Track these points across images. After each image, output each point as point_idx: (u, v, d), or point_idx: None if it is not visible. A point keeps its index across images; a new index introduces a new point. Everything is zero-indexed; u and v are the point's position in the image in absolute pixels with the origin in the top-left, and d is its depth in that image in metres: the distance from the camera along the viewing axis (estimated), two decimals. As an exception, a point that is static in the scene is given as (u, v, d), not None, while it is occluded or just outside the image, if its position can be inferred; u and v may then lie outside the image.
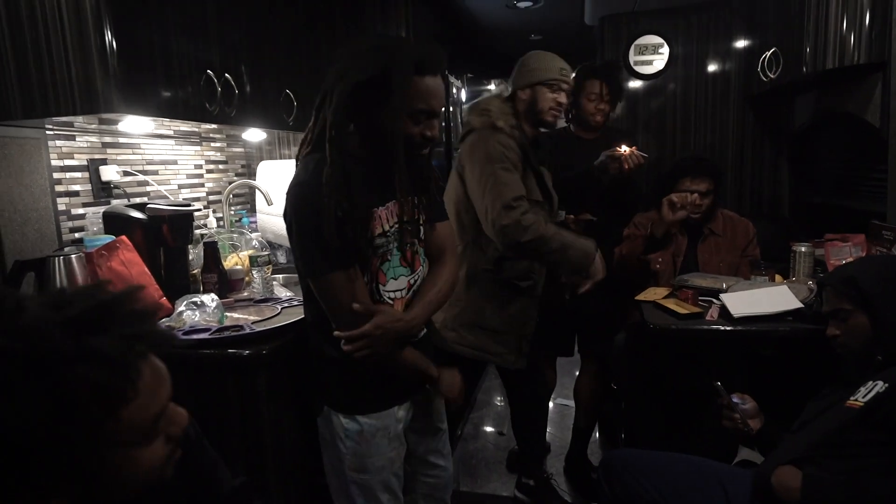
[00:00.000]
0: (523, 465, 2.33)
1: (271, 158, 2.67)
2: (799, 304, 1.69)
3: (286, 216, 1.23)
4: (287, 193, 1.22)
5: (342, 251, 1.17)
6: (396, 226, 1.28)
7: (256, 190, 2.25)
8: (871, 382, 1.25)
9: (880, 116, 1.90)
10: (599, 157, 2.10)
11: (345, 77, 1.15)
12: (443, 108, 1.24)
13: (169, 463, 0.69)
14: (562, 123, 2.35)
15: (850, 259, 1.77)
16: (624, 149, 2.06)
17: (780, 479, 1.24)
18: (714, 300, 1.81)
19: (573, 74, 1.91)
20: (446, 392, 1.44)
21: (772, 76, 2.40)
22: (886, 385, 1.21)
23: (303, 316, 1.53)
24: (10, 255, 1.43)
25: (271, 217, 2.18)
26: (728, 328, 1.69)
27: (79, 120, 1.64)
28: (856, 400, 1.25)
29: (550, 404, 2.63)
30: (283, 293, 1.84)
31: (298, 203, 1.18)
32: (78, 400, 0.55)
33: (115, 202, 1.83)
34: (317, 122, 1.22)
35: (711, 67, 2.98)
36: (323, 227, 1.13)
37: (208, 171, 2.37)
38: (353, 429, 1.30)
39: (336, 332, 1.22)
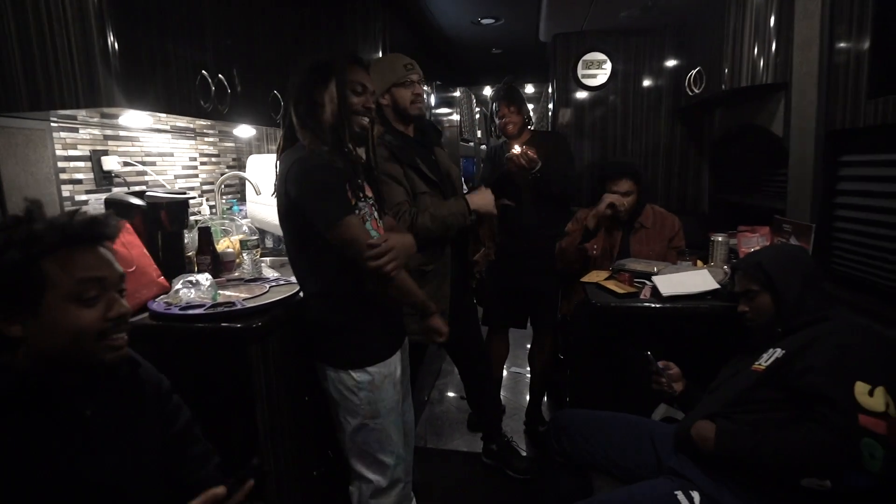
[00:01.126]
0: (486, 433, 2.32)
1: (259, 153, 2.60)
2: (716, 286, 1.74)
3: (290, 192, 1.27)
4: (289, 174, 1.27)
5: (349, 201, 1.27)
6: (364, 198, 1.36)
7: (246, 181, 2.20)
8: (771, 350, 1.30)
9: (783, 128, 1.98)
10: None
11: (299, 72, 1.34)
12: (373, 90, 1.39)
13: (104, 342, 0.82)
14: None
15: (758, 248, 1.82)
16: (515, 149, 2.14)
17: (698, 431, 1.28)
18: (647, 281, 1.84)
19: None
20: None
21: (696, 91, 2.46)
22: (784, 352, 1.26)
23: (289, 294, 1.52)
24: (17, 237, 1.38)
25: (259, 205, 2.14)
26: (658, 305, 1.73)
27: (82, 113, 1.57)
28: (759, 365, 1.29)
29: (504, 372, 2.67)
30: (270, 273, 1.81)
31: (307, 172, 1.25)
32: (29, 242, 0.76)
33: (115, 190, 1.76)
34: (284, 121, 1.36)
35: (646, 82, 3.04)
36: (334, 181, 1.25)
37: (202, 164, 2.30)
38: (364, 380, 1.34)
39: (369, 263, 1.24)
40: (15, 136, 1.40)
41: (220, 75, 1.71)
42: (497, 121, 2.43)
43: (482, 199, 1.80)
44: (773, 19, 1.94)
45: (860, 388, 1.11)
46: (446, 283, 1.87)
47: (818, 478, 1.12)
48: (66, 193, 1.60)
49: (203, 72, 1.63)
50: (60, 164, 1.58)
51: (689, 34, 2.78)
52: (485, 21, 3.17)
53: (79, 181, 1.66)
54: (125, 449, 0.90)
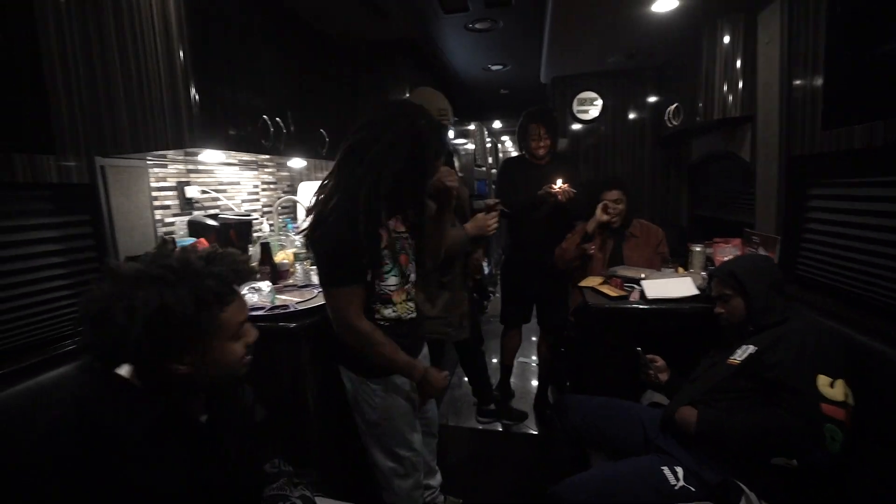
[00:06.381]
0: (481, 399, 2.46)
1: (309, 180, 2.66)
2: (696, 291, 1.71)
3: (315, 237, 1.13)
4: (320, 219, 1.12)
5: (353, 272, 1.13)
6: (400, 234, 1.25)
7: (298, 204, 2.25)
8: (744, 346, 1.28)
9: (750, 154, 1.95)
10: (542, 188, 2.06)
11: (392, 114, 1.13)
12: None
13: (243, 363, 0.81)
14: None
15: (731, 257, 1.79)
16: (558, 184, 2.01)
17: (682, 415, 1.27)
18: (636, 286, 1.81)
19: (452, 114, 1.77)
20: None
21: (675, 123, 2.44)
22: (756, 348, 1.24)
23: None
24: (122, 252, 1.44)
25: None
26: (645, 307, 1.71)
27: (170, 153, 1.64)
28: (734, 359, 1.27)
29: (515, 362, 2.66)
30: (319, 281, 1.84)
31: (330, 231, 1.10)
32: (207, 296, 0.72)
33: (195, 213, 1.82)
34: (355, 164, 1.11)
35: (632, 116, 3.01)
36: (346, 250, 1.10)
37: (263, 190, 2.36)
38: (378, 388, 1.27)
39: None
40: (120, 172, 1.47)
41: (276, 118, 1.75)
42: (529, 142, 2.21)
43: (475, 225, 1.71)
44: (739, 62, 1.92)
45: (822, 381, 1.08)
46: (462, 291, 1.85)
47: (786, 457, 1.09)
48: (158, 216, 1.67)
49: (264, 116, 1.67)
50: (154, 193, 1.65)
51: (667, 75, 2.75)
52: (494, 67, 3.19)
53: (167, 206, 1.73)
54: (232, 452, 0.85)
